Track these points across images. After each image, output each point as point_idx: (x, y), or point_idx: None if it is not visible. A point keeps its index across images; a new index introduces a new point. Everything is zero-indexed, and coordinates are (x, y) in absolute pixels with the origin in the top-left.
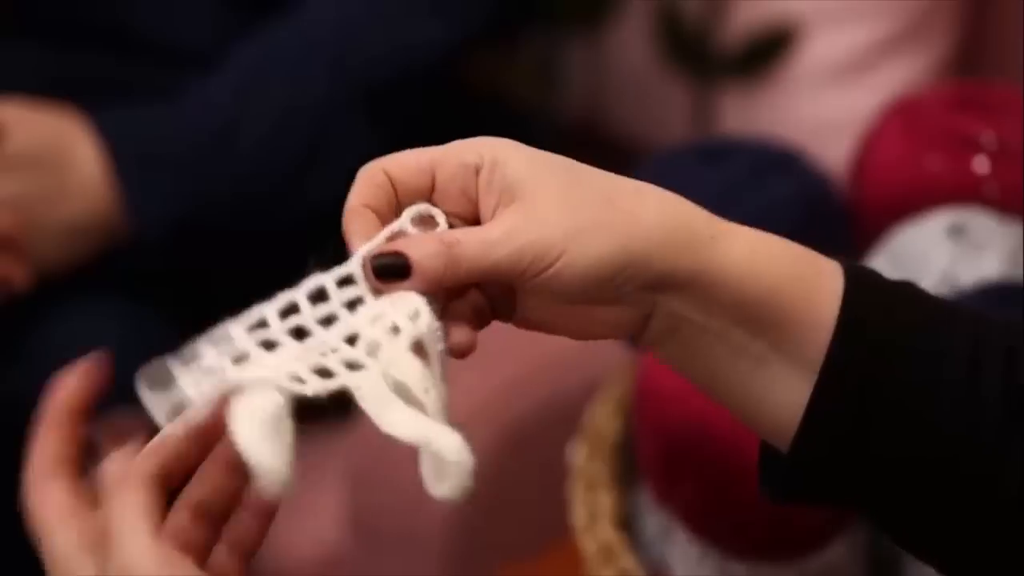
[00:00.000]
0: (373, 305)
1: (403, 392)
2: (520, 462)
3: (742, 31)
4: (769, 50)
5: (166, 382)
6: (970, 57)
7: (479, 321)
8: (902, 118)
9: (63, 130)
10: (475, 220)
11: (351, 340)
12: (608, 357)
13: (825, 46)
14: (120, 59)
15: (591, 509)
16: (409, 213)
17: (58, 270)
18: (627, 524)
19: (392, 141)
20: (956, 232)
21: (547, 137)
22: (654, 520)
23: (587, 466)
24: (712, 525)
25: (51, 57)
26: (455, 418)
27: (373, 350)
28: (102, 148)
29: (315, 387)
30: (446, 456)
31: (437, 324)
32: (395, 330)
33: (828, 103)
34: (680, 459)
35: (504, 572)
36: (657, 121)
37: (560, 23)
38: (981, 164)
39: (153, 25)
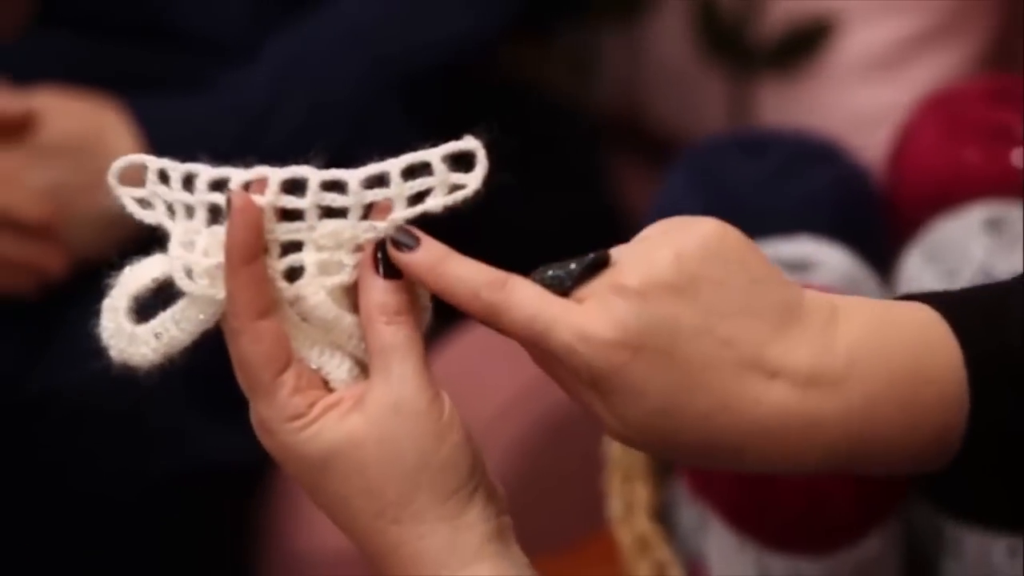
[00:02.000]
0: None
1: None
2: (556, 453)
3: (780, 23)
4: (806, 42)
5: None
6: (1007, 50)
7: None
8: (939, 111)
9: (99, 118)
10: None
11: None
12: None
13: (862, 39)
14: (155, 51)
15: (627, 501)
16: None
17: (94, 259)
18: (663, 516)
19: (427, 132)
20: (993, 225)
21: (583, 129)
22: (690, 512)
23: (623, 457)
24: (747, 517)
25: (86, 48)
26: (492, 408)
27: (327, 268)
28: (138, 136)
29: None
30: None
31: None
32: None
33: (865, 95)
34: None
35: (540, 564)
36: (694, 113)
37: (597, 15)
38: (1018, 157)
39: (188, 17)
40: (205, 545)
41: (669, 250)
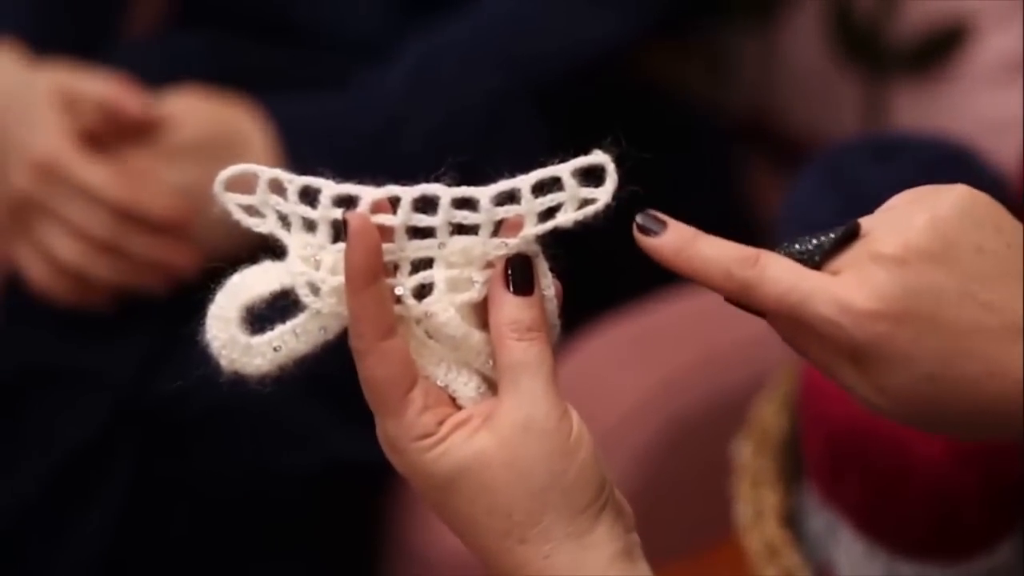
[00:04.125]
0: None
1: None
2: (681, 459)
3: (915, 26)
4: (942, 46)
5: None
6: None
7: None
8: None
9: (234, 119)
10: None
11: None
12: (774, 353)
13: (999, 43)
14: (289, 51)
15: (756, 506)
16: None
17: (224, 260)
18: (792, 522)
19: (560, 133)
20: None
21: (716, 130)
22: (819, 518)
23: (752, 463)
24: (877, 524)
25: (221, 48)
26: (616, 415)
27: (456, 285)
28: (272, 136)
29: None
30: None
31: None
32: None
33: (1001, 100)
34: (845, 457)
35: (667, 570)
36: (828, 116)
37: (732, 17)
38: None
39: (322, 17)
40: (332, 543)
41: (924, 216)
